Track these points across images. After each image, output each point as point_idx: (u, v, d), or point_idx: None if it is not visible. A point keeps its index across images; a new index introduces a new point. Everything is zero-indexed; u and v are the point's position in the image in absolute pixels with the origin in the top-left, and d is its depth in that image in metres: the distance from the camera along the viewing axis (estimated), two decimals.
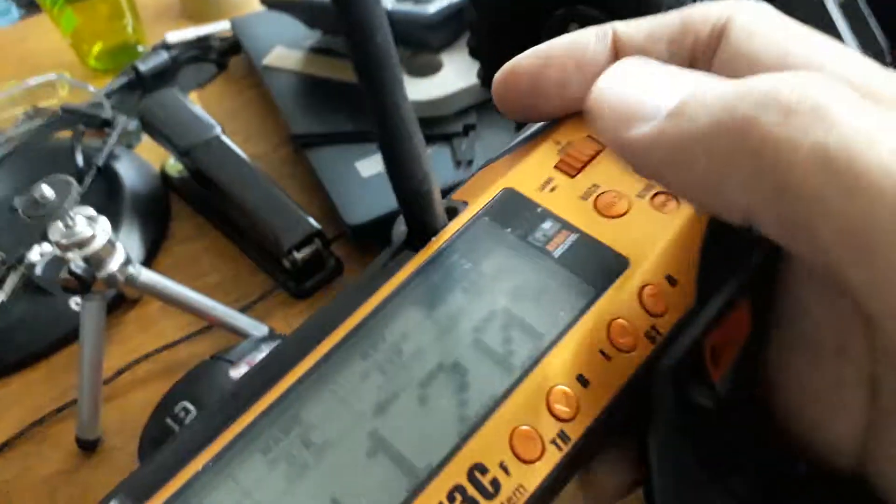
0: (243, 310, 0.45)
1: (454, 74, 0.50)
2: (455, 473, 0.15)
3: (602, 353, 0.16)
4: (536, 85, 0.19)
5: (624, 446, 0.18)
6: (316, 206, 0.49)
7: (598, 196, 0.18)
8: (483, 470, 0.15)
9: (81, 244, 0.36)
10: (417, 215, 0.18)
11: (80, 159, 0.53)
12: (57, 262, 0.45)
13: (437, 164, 0.47)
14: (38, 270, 0.45)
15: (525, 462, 0.15)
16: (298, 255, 0.44)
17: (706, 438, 0.18)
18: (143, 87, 0.64)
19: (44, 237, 0.47)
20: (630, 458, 0.18)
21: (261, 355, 0.39)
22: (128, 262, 0.38)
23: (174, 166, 0.54)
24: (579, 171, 0.19)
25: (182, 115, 0.51)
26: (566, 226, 0.18)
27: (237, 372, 0.40)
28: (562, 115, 0.20)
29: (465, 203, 0.19)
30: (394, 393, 0.16)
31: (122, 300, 0.46)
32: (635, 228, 0.18)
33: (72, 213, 0.35)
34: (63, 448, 0.41)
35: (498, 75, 0.19)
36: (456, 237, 0.18)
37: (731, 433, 0.19)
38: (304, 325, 0.18)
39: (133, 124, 0.58)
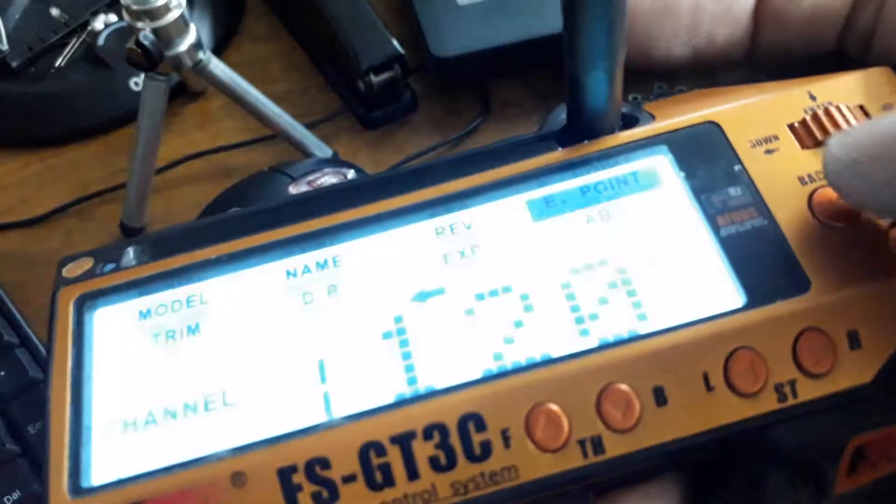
0: (308, 127, 0.42)
1: None
2: (448, 410, 0.12)
3: (705, 378, 0.13)
4: (669, 11, 0.15)
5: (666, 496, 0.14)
6: (400, 30, 0.45)
7: (823, 187, 0.14)
8: (480, 426, 0.12)
9: (153, 14, 0.33)
10: (584, 106, 0.14)
11: None
12: (121, 34, 0.43)
13: None
14: (101, 40, 0.42)
15: (535, 444, 0.12)
16: (375, 79, 0.41)
17: None
18: None
19: (111, 5, 0.43)
20: None
21: (323, 178, 0.37)
22: (199, 45, 0.34)
23: None
24: (819, 144, 0.14)
25: None
26: (758, 205, 0.13)
27: (296, 189, 0.38)
28: (679, 63, 0.16)
29: (652, 117, 0.15)
30: (444, 288, 0.14)
31: (182, 90, 0.44)
32: (848, 253, 0.13)
33: None
34: (106, 230, 0.40)
35: None
36: (616, 153, 0.14)
37: None
38: (402, 169, 0.16)
39: None
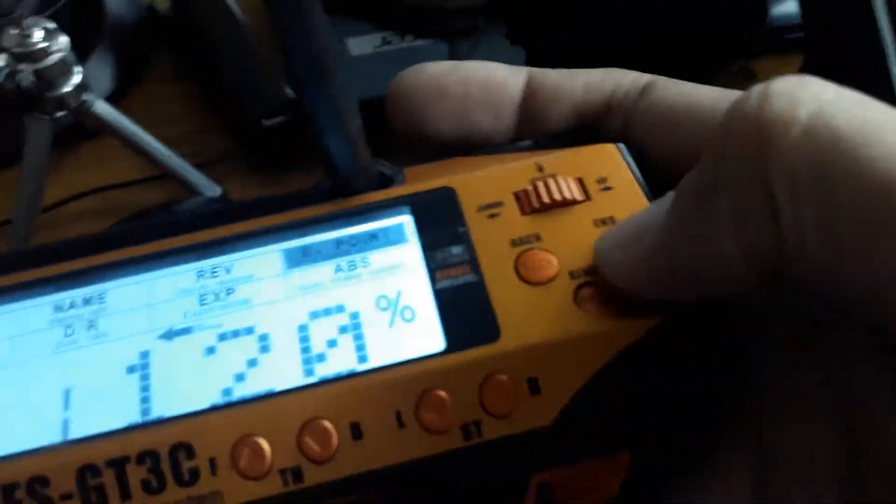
0: (201, 166, 0.43)
1: None
2: (162, 439, 0.13)
3: (398, 416, 0.14)
4: (441, 97, 0.17)
5: None
6: None
7: (529, 250, 0.15)
8: (190, 454, 0.13)
9: (34, 57, 0.34)
10: (333, 166, 0.15)
11: None
12: (9, 75, 0.43)
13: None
14: None
15: (238, 472, 0.13)
16: (267, 123, 0.42)
17: None
18: None
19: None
20: None
21: None
22: (84, 87, 0.35)
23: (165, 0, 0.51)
24: (536, 211, 0.16)
25: None
26: (473, 262, 0.15)
27: None
28: (449, 141, 0.17)
29: (401, 181, 0.16)
30: (192, 327, 0.15)
31: (80, 129, 0.44)
32: (539, 309, 0.15)
33: (28, 22, 0.33)
34: None
35: (402, 73, 0.18)
36: (365, 210, 0.16)
37: None
38: (182, 212, 0.17)
39: None
